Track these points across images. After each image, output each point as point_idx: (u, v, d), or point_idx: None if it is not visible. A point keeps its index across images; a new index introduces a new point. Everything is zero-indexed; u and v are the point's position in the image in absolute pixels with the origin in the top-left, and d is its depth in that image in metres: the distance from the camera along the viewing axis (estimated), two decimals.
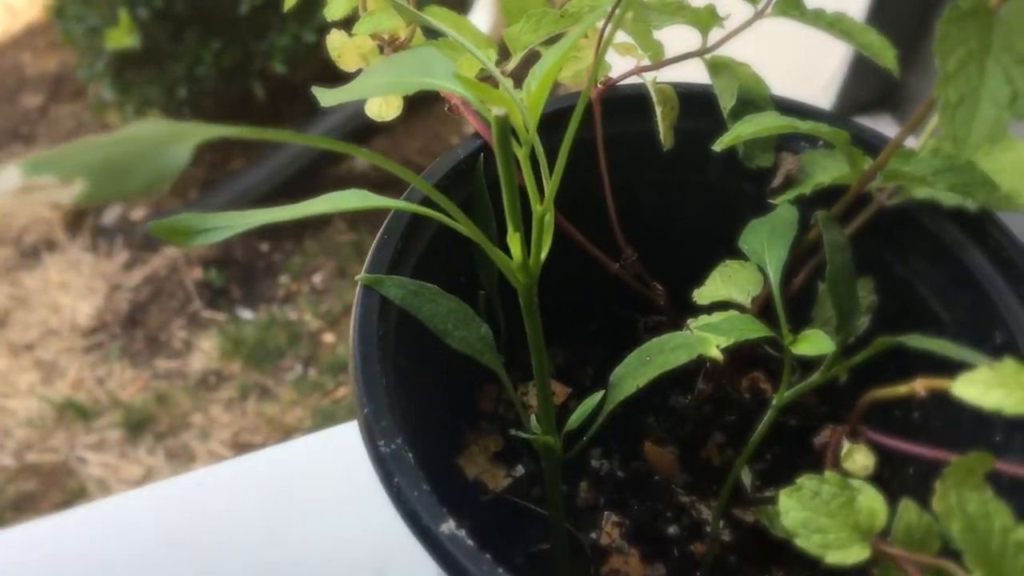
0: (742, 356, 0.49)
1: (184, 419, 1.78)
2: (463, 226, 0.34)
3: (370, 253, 0.40)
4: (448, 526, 0.32)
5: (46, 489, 1.71)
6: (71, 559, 0.57)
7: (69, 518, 0.61)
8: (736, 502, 0.47)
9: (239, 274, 1.99)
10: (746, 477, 0.48)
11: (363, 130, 1.93)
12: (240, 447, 1.74)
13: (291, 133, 0.26)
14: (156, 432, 1.76)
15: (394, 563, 0.56)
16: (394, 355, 0.39)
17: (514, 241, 0.34)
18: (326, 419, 1.75)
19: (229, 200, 1.96)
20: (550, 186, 0.33)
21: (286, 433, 1.75)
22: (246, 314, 1.94)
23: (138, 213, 2.05)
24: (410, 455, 0.34)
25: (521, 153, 0.34)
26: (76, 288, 1.95)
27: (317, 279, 2.00)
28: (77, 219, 2.03)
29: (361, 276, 0.39)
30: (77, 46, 1.95)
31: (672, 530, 0.47)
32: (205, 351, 1.86)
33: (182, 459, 1.72)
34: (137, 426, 1.76)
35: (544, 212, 0.34)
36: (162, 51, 1.84)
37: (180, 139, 0.22)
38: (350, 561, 0.57)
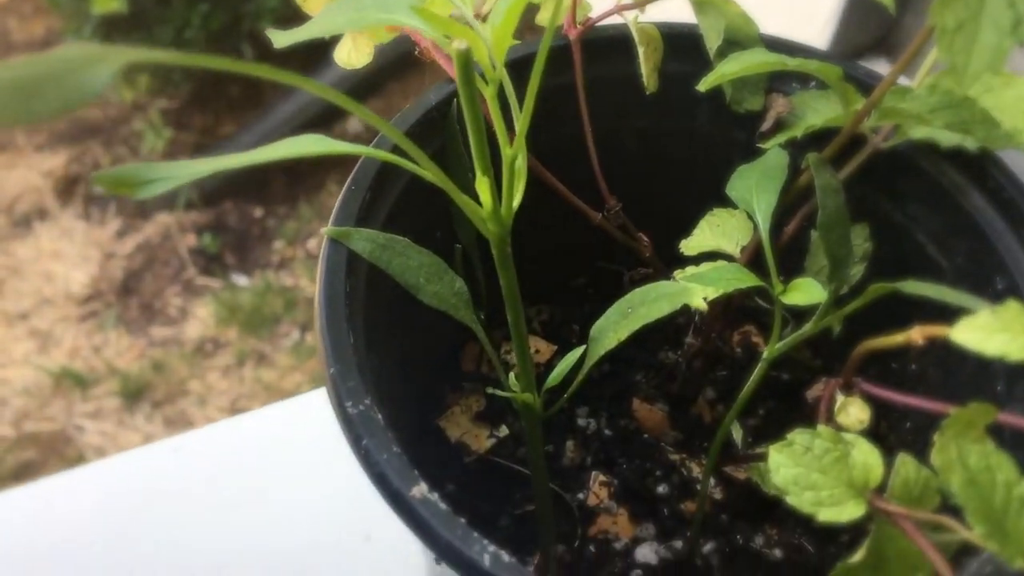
0: (732, 309, 0.47)
1: (181, 386, 1.77)
2: (431, 173, 0.32)
3: (336, 205, 0.38)
4: (420, 489, 0.31)
5: (45, 458, 1.70)
6: (63, 521, 0.56)
7: (61, 481, 0.60)
8: (727, 459, 0.45)
9: (233, 240, 1.98)
10: (737, 433, 0.46)
11: (357, 90, 1.90)
12: (238, 413, 1.73)
13: (232, 63, 0.24)
14: (153, 400, 1.76)
15: (382, 528, 0.54)
16: (364, 313, 0.37)
17: (483, 186, 0.32)
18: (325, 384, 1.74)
19: None
20: (519, 126, 0.31)
21: (284, 399, 1.73)
22: (241, 280, 1.93)
23: None
24: (380, 416, 0.32)
25: (488, 92, 0.31)
26: (69, 257, 1.93)
27: (312, 244, 1.98)
28: (69, 187, 2.00)
29: (327, 229, 0.37)
30: (63, 11, 1.91)
31: (662, 489, 0.45)
32: (201, 318, 1.85)
33: (180, 426, 1.71)
34: (134, 394, 1.75)
35: (514, 155, 0.32)
36: (149, 15, 1.81)
37: (101, 61, 0.20)
38: (338, 525, 0.56)
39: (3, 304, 1.84)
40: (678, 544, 0.44)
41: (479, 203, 0.33)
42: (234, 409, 1.74)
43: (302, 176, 2.05)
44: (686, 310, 0.37)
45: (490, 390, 0.37)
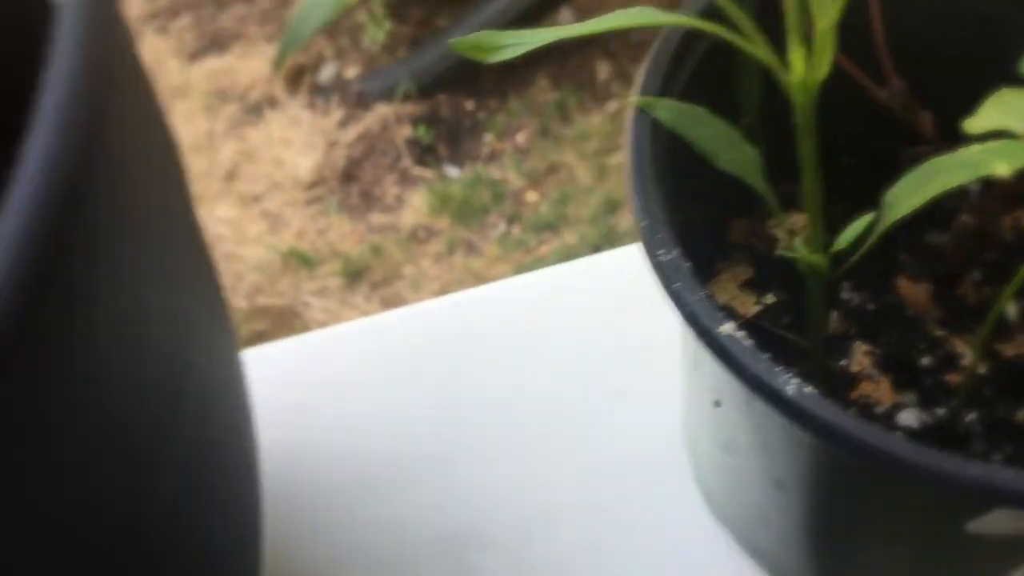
0: (1007, 192, 0.47)
1: (397, 270, 1.88)
2: (744, 41, 0.34)
3: (642, 77, 0.41)
4: (727, 327, 0.34)
5: (275, 329, 1.85)
6: (293, 382, 0.62)
7: (295, 342, 0.67)
8: (996, 336, 0.47)
9: (445, 132, 2.05)
10: (1010, 309, 0.47)
11: None
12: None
13: None
14: (372, 281, 1.87)
15: (634, 386, 0.59)
16: (664, 176, 0.40)
17: (797, 56, 0.34)
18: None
19: (435, 57, 2.00)
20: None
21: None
22: (453, 172, 2.00)
23: (351, 72, 2.12)
24: (687, 264, 0.36)
25: None
26: (297, 144, 2.06)
27: (520, 138, 2.03)
28: (296, 77, 2.12)
29: (634, 99, 0.40)
30: None
31: (925, 361, 0.47)
32: (415, 207, 1.94)
33: (395, 307, 1.82)
34: (355, 275, 1.87)
35: (827, 27, 0.34)
36: None
37: None
38: (594, 382, 0.60)
39: (240, 186, 1.99)
40: (940, 412, 0.46)
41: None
42: (444, 294, 1.83)
43: (512, 71, 2.09)
44: (955, 193, 0.39)
45: (780, 252, 0.40)
